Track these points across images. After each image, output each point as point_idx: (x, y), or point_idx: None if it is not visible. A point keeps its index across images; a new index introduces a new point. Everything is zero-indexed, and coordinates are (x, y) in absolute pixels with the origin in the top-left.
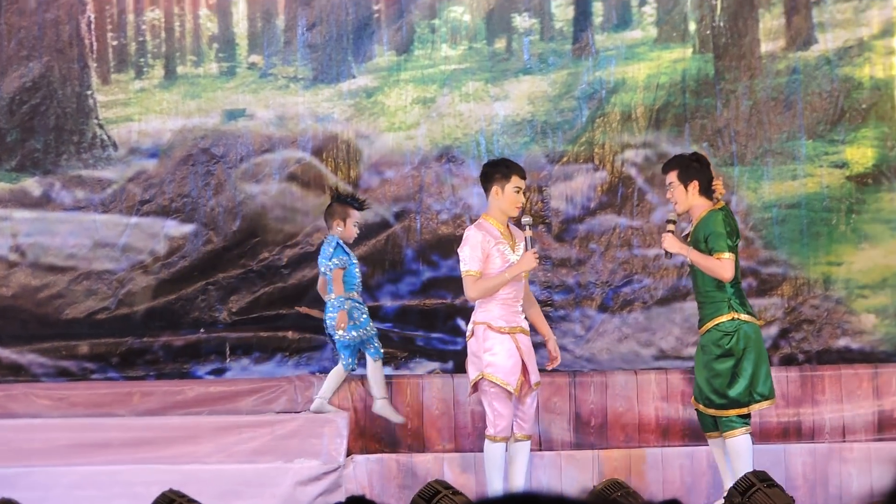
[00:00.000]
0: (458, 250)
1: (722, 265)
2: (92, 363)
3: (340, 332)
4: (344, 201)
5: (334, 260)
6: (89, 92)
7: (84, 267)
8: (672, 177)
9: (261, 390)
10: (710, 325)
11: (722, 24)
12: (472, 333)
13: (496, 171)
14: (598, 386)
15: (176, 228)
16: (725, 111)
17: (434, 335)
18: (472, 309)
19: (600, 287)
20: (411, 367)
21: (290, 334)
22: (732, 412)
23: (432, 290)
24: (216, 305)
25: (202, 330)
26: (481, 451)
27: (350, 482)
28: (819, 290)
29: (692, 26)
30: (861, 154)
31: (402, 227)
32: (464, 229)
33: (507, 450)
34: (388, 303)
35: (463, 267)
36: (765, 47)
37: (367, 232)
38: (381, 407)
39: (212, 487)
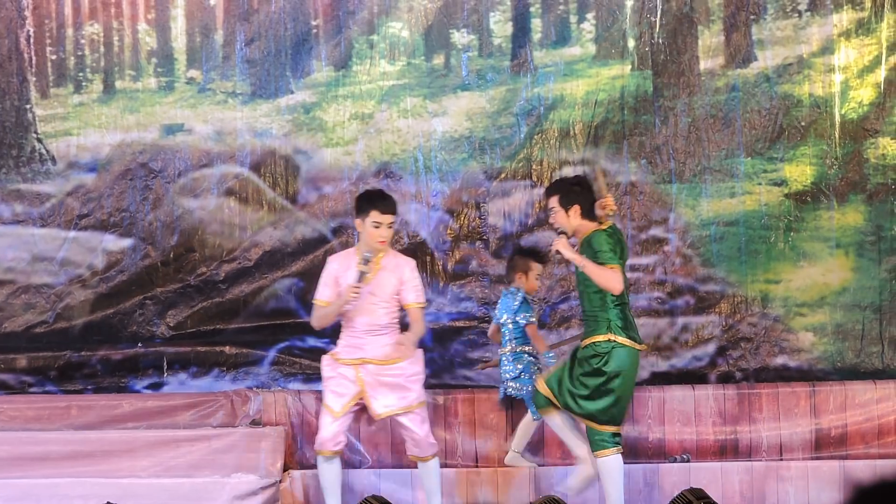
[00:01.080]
0: None
1: (612, 275)
2: (30, 376)
3: (513, 386)
4: (526, 254)
5: (525, 315)
6: (28, 106)
7: (22, 280)
8: (553, 202)
9: (198, 405)
10: (588, 341)
11: (661, 41)
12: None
13: (359, 203)
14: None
15: (114, 243)
16: (664, 128)
17: None
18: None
19: (538, 304)
20: None
21: (227, 349)
22: (587, 423)
23: None
24: (154, 320)
25: (140, 344)
26: (416, 466)
27: (287, 497)
28: (757, 308)
29: (631, 43)
30: (800, 172)
31: (339, 242)
32: (401, 245)
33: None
34: None
35: (315, 294)
36: (704, 64)
37: (304, 247)
38: (512, 458)
39: (149, 501)
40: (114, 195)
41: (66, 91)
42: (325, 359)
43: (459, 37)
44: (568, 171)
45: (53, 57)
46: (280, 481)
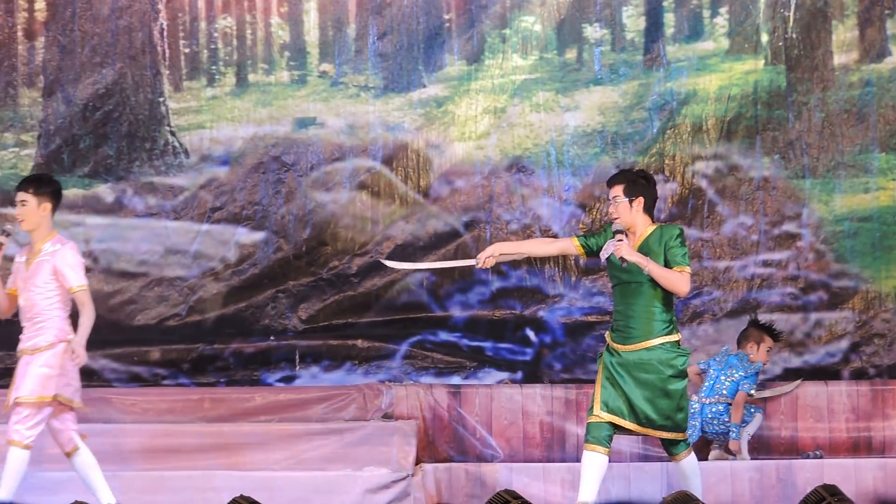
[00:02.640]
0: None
1: (682, 279)
2: (163, 369)
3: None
4: (763, 328)
5: (750, 384)
6: (161, 99)
7: (156, 273)
8: (617, 191)
9: (330, 398)
10: (658, 340)
11: (794, 35)
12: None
13: None
14: None
15: (247, 236)
16: (797, 123)
17: (503, 345)
18: (540, 320)
19: None
20: (480, 377)
21: (359, 343)
22: (673, 436)
23: (501, 300)
24: (286, 313)
25: (272, 337)
26: (550, 461)
27: (419, 491)
28: (891, 304)
29: (764, 38)
30: None
31: (471, 236)
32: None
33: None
34: (457, 313)
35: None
36: (837, 59)
37: (436, 241)
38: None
39: (282, 494)
40: (246, 188)
41: (199, 84)
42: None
43: (592, 31)
44: (700, 166)
45: (187, 50)
46: (412, 475)
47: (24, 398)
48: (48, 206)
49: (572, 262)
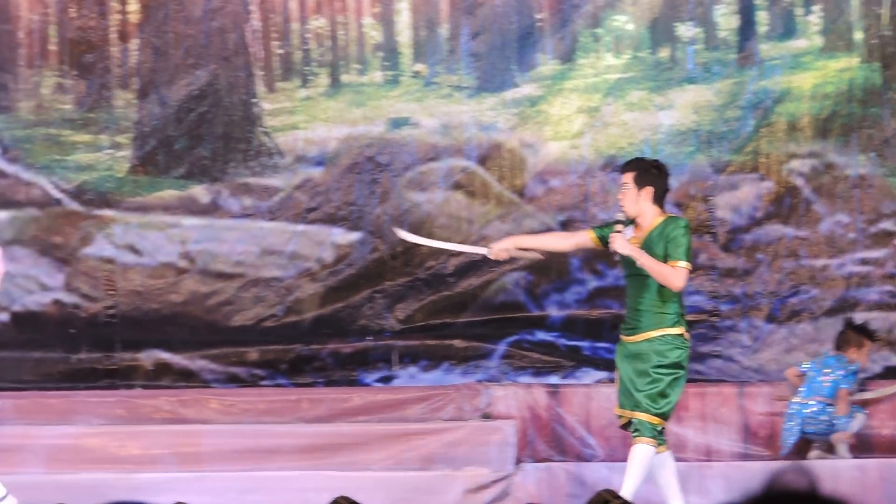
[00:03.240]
0: None
1: (675, 273)
2: (261, 370)
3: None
4: (861, 331)
5: (850, 382)
6: (255, 100)
7: (252, 274)
8: (628, 178)
9: (429, 398)
10: (657, 332)
11: (889, 32)
12: None
13: None
14: (767, 397)
15: (343, 236)
16: (893, 121)
17: (600, 344)
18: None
19: (767, 297)
20: (578, 377)
21: (456, 342)
22: (655, 420)
23: (598, 299)
24: (383, 313)
25: (369, 338)
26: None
27: (519, 490)
28: None
29: (858, 35)
30: None
31: None
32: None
33: None
34: (554, 312)
35: None
36: None
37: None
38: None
39: (382, 494)
40: (341, 189)
41: (292, 85)
42: None
43: (685, 29)
44: (796, 165)
45: (280, 51)
46: (512, 474)
47: None
48: None
49: None
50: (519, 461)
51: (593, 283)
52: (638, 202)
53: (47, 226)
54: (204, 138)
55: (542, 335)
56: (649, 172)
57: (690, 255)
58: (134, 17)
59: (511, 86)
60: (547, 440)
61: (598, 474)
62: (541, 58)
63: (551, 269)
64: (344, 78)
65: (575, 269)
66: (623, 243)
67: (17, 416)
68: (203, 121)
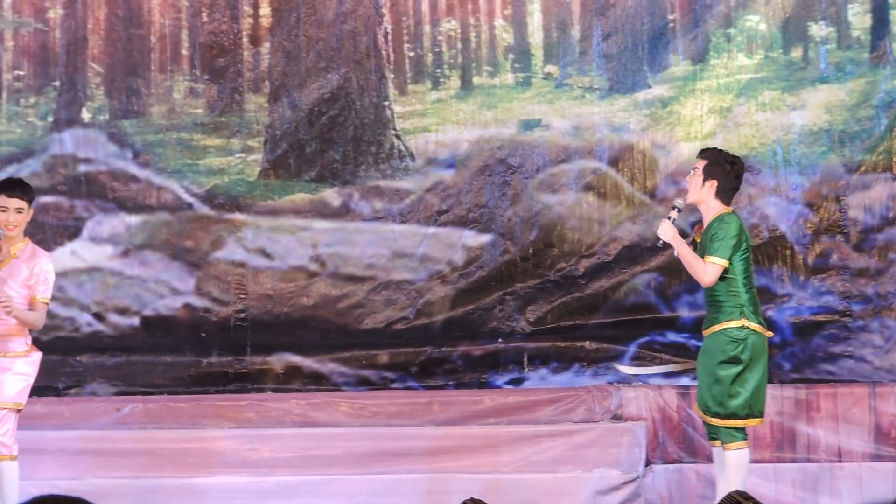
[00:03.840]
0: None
1: (704, 268)
2: (391, 372)
3: None
4: None
5: None
6: (386, 103)
7: (383, 277)
8: (700, 164)
9: (559, 400)
10: (717, 327)
11: None
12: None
13: None
14: None
15: (473, 238)
16: None
17: None
18: (769, 320)
19: None
20: None
21: (587, 344)
22: (728, 423)
23: None
24: (514, 315)
25: (500, 340)
26: (780, 461)
27: (649, 492)
28: None
29: None
30: None
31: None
32: (760, 239)
33: None
34: (685, 313)
35: None
36: None
37: (664, 242)
38: None
39: (511, 497)
40: (472, 191)
41: (423, 87)
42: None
43: (817, 29)
44: None
45: (411, 54)
46: (642, 476)
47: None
48: None
49: (801, 260)
50: (649, 462)
51: None
52: (701, 192)
53: (178, 230)
54: (335, 141)
55: (672, 336)
56: (719, 166)
57: (729, 253)
58: (266, 21)
59: (643, 87)
60: (677, 441)
61: None
62: (673, 58)
63: (682, 270)
64: (475, 80)
65: None
66: (666, 229)
67: (147, 421)
68: (334, 124)
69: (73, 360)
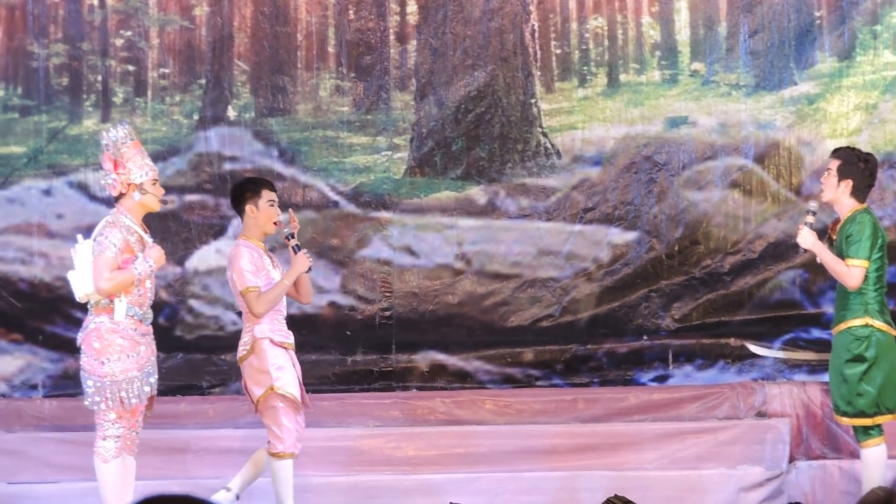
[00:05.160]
0: (230, 269)
1: (849, 273)
2: (536, 370)
3: None
4: None
5: None
6: (533, 100)
7: (528, 274)
8: (833, 164)
9: (703, 397)
10: (842, 326)
11: None
12: (253, 350)
13: (245, 190)
14: None
15: (619, 236)
16: None
17: None
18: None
19: None
20: None
21: (731, 341)
22: (857, 422)
23: None
24: (659, 312)
25: (645, 337)
26: None
27: (793, 488)
28: None
29: None
30: None
31: None
32: None
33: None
34: (830, 309)
35: (244, 284)
36: None
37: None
38: None
39: (655, 493)
40: (618, 188)
41: (570, 85)
42: (267, 343)
43: None
44: None
45: (558, 51)
46: (786, 472)
47: None
48: None
49: None
50: (793, 459)
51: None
52: (836, 191)
53: (324, 228)
54: (481, 139)
55: (817, 333)
56: (853, 165)
57: (868, 252)
58: (412, 19)
59: (789, 84)
60: (821, 438)
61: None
62: (819, 55)
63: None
64: (622, 77)
65: None
66: (806, 236)
67: None
68: (481, 121)
69: (218, 358)
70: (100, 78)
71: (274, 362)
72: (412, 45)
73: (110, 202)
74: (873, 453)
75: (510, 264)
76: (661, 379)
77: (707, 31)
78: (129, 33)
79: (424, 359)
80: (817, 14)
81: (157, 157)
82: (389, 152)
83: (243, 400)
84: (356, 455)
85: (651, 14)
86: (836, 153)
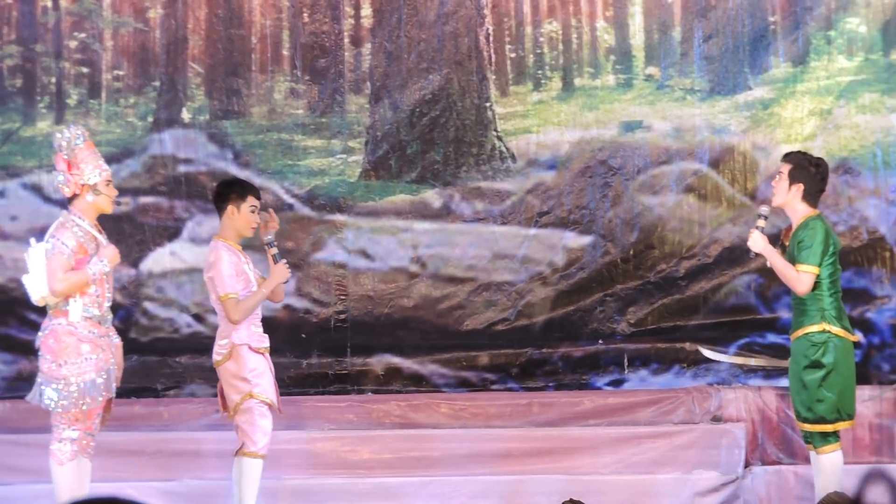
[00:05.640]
0: (210, 271)
1: (798, 278)
2: (492, 374)
3: None
4: None
5: None
6: (488, 104)
7: (484, 278)
8: (785, 168)
9: (659, 401)
10: (799, 332)
11: None
12: (231, 355)
13: (231, 190)
14: None
15: (574, 240)
16: None
17: None
18: (868, 321)
19: None
20: None
21: (687, 346)
22: (818, 427)
23: None
24: (614, 316)
25: (600, 341)
26: (879, 463)
27: (748, 493)
28: None
29: None
30: None
31: None
32: (859, 241)
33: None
34: (785, 314)
35: (224, 289)
36: None
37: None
38: None
39: (610, 498)
40: (573, 192)
41: (525, 89)
42: (245, 350)
43: None
44: None
45: (513, 55)
46: (741, 477)
47: None
48: None
49: None
50: (748, 464)
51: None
52: (787, 195)
53: (279, 231)
54: (436, 142)
55: (772, 338)
56: (804, 169)
57: (819, 258)
58: (367, 22)
59: (744, 88)
60: (777, 443)
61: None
62: (773, 60)
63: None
64: (577, 81)
65: None
66: (757, 240)
67: None
68: (436, 125)
69: (173, 361)
70: (54, 80)
71: (252, 368)
72: (367, 48)
73: (64, 204)
74: (830, 459)
75: (465, 268)
76: (617, 383)
77: (661, 36)
78: (83, 35)
79: (380, 362)
80: (771, 19)
81: (111, 159)
82: (344, 155)
83: (198, 402)
84: (311, 458)
85: (605, 18)
86: (788, 157)
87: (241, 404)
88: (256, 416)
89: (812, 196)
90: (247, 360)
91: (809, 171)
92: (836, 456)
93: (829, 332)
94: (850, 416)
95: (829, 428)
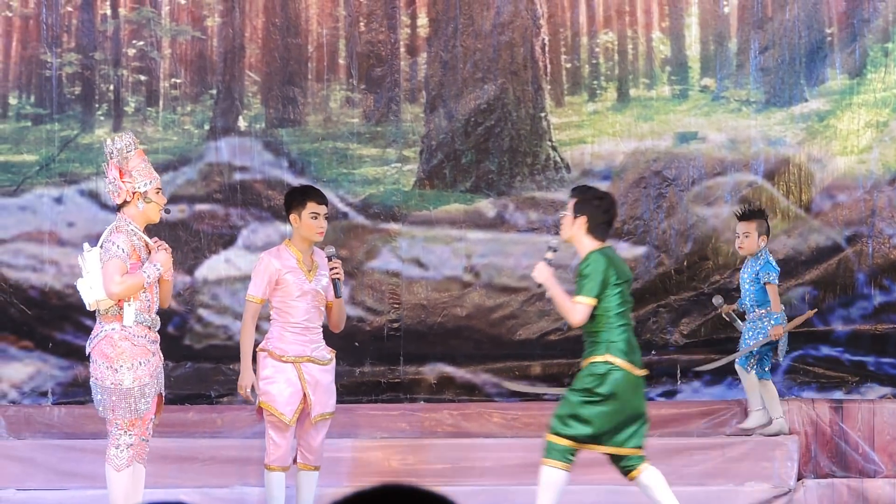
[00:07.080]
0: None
1: (573, 309)
2: (544, 383)
3: None
4: None
5: None
6: (543, 114)
7: (537, 288)
8: (570, 202)
9: (712, 413)
10: (585, 362)
11: None
12: (256, 360)
13: (293, 198)
14: None
15: (628, 250)
16: None
17: (885, 360)
18: None
19: None
20: (862, 392)
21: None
22: (564, 442)
23: (884, 314)
24: (667, 327)
25: (654, 352)
26: None
27: None
28: None
29: None
30: None
31: (853, 251)
32: None
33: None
34: (839, 327)
35: (247, 292)
36: None
37: (818, 255)
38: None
39: None
40: (628, 203)
41: (580, 99)
42: (264, 355)
43: None
44: None
45: (568, 65)
46: (794, 490)
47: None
48: None
49: None
50: (801, 477)
51: (879, 299)
52: (572, 229)
53: (333, 239)
54: (491, 152)
55: (826, 350)
56: (588, 203)
57: (597, 290)
58: (423, 32)
59: (800, 100)
60: (830, 456)
61: (881, 491)
62: (830, 72)
63: (836, 284)
64: (632, 92)
65: (861, 283)
66: (542, 270)
67: None
68: (490, 135)
69: (227, 368)
70: (112, 87)
71: (266, 377)
72: (422, 57)
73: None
74: (555, 475)
75: (519, 277)
76: (670, 394)
77: (717, 47)
78: (141, 43)
79: (432, 371)
80: (828, 31)
81: (167, 167)
82: (399, 164)
83: (251, 409)
84: (362, 466)
85: (661, 29)
86: (573, 191)
87: (259, 409)
88: (267, 426)
89: (597, 229)
90: (262, 367)
91: (593, 204)
92: (561, 475)
93: (612, 363)
94: (602, 444)
95: (574, 446)
